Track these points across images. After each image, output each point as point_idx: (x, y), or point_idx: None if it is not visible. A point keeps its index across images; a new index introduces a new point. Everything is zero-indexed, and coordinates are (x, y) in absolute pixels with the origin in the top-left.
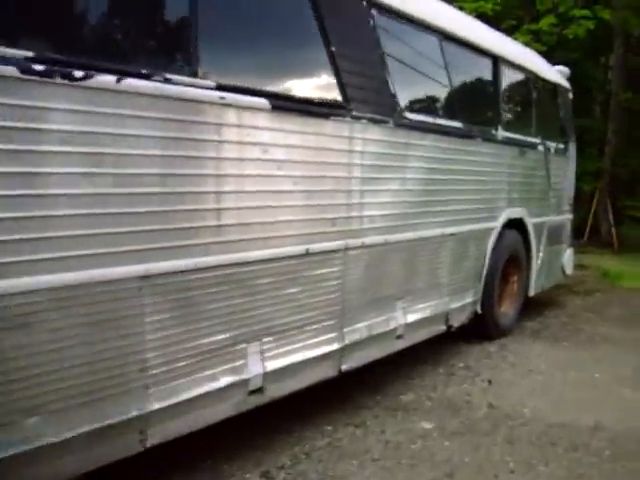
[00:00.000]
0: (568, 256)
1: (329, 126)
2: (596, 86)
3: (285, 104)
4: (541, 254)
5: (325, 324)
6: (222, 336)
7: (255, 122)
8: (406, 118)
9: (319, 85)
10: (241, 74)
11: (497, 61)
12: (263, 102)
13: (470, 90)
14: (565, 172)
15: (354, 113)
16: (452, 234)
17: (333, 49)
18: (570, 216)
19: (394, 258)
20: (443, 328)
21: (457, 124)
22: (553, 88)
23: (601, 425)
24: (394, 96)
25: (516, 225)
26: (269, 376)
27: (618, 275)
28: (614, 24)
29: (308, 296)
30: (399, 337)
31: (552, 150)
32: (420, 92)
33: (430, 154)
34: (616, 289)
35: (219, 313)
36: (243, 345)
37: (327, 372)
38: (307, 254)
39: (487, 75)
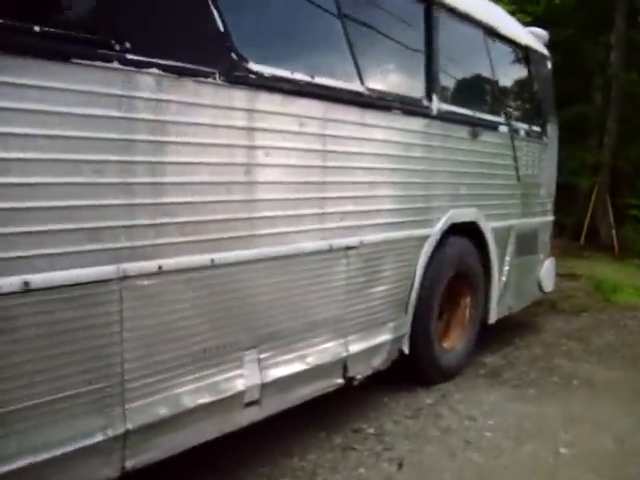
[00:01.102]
0: (547, 269)
1: (75, 76)
2: (596, 68)
3: None
4: (506, 268)
5: (86, 401)
6: None
7: None
8: (250, 72)
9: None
10: None
11: (431, 4)
12: None
13: (381, 41)
14: (542, 162)
15: (131, 57)
16: (349, 247)
17: None
18: (550, 218)
19: (236, 287)
20: (338, 382)
21: (356, 87)
22: (524, 53)
23: None
24: (225, 36)
25: (467, 231)
26: None
27: (614, 288)
28: None
29: (36, 359)
30: (251, 404)
31: (522, 133)
32: (283, 34)
33: (302, 129)
34: (610, 306)
35: None
36: None
37: (98, 474)
38: (27, 291)
39: (413, 23)
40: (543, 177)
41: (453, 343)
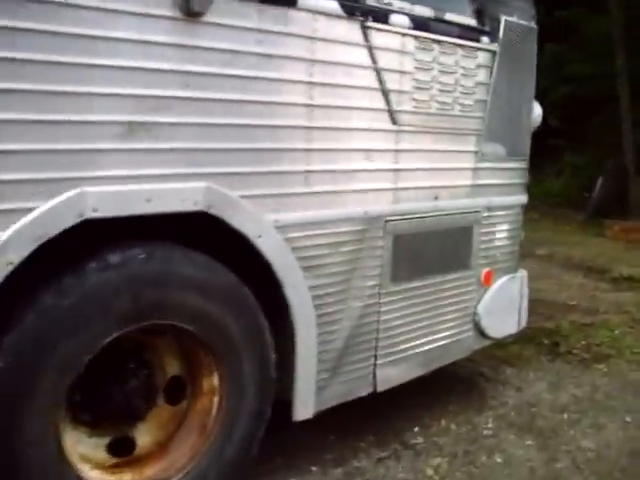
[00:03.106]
0: (498, 295)
1: None
2: None
3: None
4: (356, 305)
5: None
6: None
7: None
8: None
9: None
10: None
11: None
12: None
13: None
14: (481, 88)
15: None
16: None
17: None
18: (512, 198)
19: None
20: None
21: None
22: None
23: None
24: None
25: (185, 233)
26: None
27: None
28: None
29: None
30: None
31: (400, 21)
32: None
33: None
34: None
35: None
36: None
37: None
38: None
39: None
40: (488, 119)
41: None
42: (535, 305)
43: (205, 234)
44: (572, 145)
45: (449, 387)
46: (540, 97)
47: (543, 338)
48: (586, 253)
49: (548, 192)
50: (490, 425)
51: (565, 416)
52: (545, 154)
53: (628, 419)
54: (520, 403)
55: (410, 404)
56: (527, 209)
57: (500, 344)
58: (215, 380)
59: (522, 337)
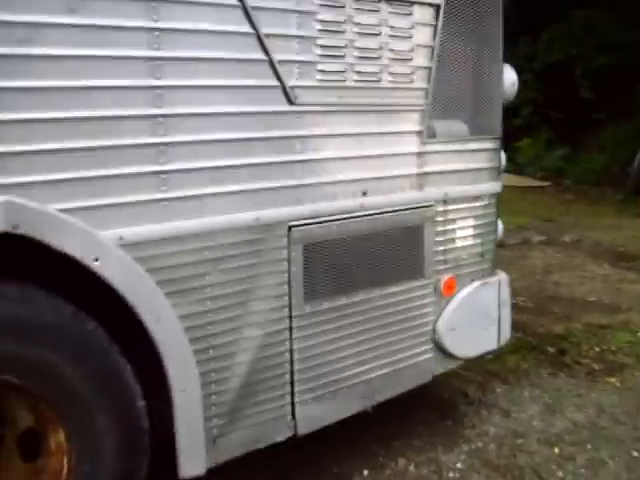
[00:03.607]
0: (465, 306)
1: None
2: None
3: None
4: (255, 334)
5: None
6: None
7: None
8: None
9: None
10: None
11: None
12: None
13: None
14: (416, 51)
15: None
16: None
17: None
18: (484, 186)
19: None
20: None
21: None
22: None
23: None
24: None
25: None
26: None
27: None
28: None
29: None
30: None
31: None
32: None
33: None
34: None
35: None
36: None
37: None
38: None
39: None
40: (435, 90)
41: None
42: (548, 303)
43: (33, 259)
44: (614, 118)
45: (420, 413)
46: (572, 68)
47: (548, 345)
48: (617, 238)
49: (589, 170)
50: (459, 465)
51: (556, 450)
52: (585, 129)
53: (635, 453)
54: (503, 433)
55: (364, 438)
56: (561, 190)
57: (495, 355)
58: (61, 437)
59: (524, 345)
